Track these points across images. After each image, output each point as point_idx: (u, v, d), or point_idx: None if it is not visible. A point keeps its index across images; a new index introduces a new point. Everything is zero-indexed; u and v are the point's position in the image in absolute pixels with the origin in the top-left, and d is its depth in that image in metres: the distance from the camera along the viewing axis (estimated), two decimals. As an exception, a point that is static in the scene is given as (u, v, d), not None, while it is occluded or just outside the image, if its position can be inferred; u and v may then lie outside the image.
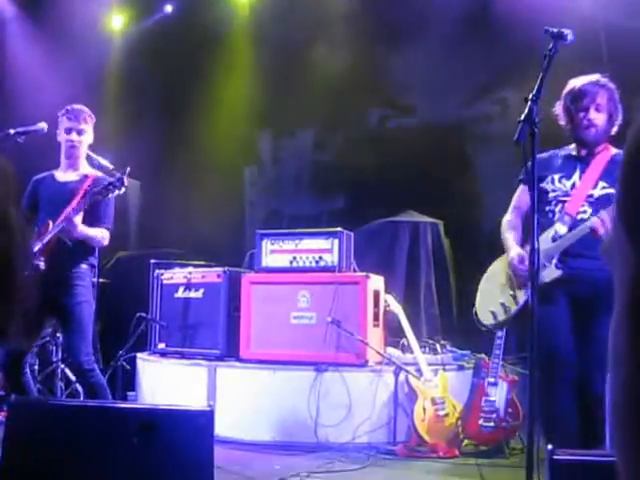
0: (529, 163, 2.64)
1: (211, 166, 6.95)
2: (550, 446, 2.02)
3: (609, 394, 0.61)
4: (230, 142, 7.02)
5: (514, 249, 3.10)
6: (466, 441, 4.16)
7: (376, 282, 4.60)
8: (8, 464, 2.23)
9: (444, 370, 4.41)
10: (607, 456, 2.07)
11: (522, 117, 2.42)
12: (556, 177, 3.10)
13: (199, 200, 6.82)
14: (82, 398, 4.57)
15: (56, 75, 6.23)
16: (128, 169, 3.52)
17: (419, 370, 4.27)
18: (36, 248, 3.40)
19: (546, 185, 3.10)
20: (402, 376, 4.25)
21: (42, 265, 3.37)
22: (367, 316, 4.42)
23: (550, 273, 2.99)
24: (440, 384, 4.26)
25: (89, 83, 6.40)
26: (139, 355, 5.03)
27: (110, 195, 3.48)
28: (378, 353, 4.41)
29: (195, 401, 4.35)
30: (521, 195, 3.24)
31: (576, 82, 3.05)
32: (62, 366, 4.72)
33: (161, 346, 5.01)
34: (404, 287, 5.29)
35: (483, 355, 4.29)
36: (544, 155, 3.10)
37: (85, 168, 3.79)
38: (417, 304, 5.26)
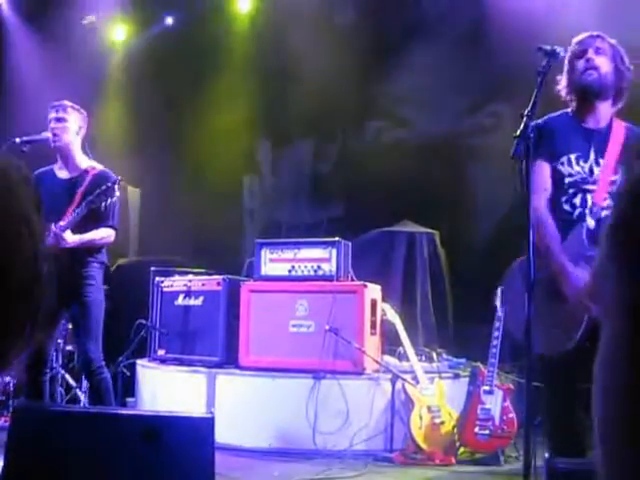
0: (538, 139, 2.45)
1: (211, 175, 7.02)
2: (547, 454, 2.07)
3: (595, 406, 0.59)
4: (230, 151, 7.09)
5: (574, 272, 2.48)
6: (462, 449, 4.20)
7: (373, 291, 4.65)
8: (10, 470, 2.28)
9: (440, 378, 4.46)
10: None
11: (518, 133, 2.44)
12: (572, 157, 2.63)
13: (199, 209, 6.88)
14: (82, 403, 4.62)
15: (58, 85, 6.30)
16: (119, 177, 3.57)
17: (416, 378, 4.32)
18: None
19: (562, 167, 2.64)
20: (399, 384, 4.29)
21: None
22: (364, 324, 4.47)
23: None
24: (436, 392, 4.31)
25: (91, 93, 6.47)
26: (139, 361, 5.06)
27: (103, 204, 3.47)
28: (375, 361, 4.45)
29: (194, 408, 4.39)
30: (544, 173, 2.66)
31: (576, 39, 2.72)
32: (62, 372, 4.76)
33: (161, 353, 5.05)
34: (401, 296, 5.34)
35: (479, 363, 4.33)
36: (548, 122, 2.64)
37: (83, 161, 3.75)
38: (414, 313, 5.32)
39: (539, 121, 2.61)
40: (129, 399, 5.00)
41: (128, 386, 4.91)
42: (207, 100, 7.18)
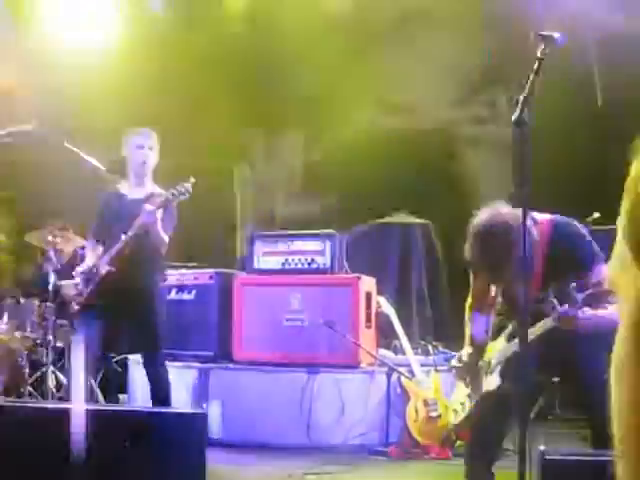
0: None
1: (203, 167, 6.94)
2: (542, 446, 2.05)
3: (614, 412, 0.64)
4: (221, 142, 7.03)
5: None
6: (458, 442, 4.18)
7: (368, 284, 4.62)
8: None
9: (436, 371, 4.43)
10: (596, 455, 2.11)
11: (513, 119, 2.41)
12: None
13: (190, 201, 6.81)
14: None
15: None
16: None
17: (411, 371, 4.30)
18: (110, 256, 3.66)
19: None
20: (394, 377, 4.27)
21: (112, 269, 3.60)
22: (359, 318, 4.44)
23: (489, 382, 2.76)
24: (432, 385, 4.28)
25: (80, 79, 6.37)
26: (131, 357, 5.02)
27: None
28: (370, 354, 4.43)
29: (187, 403, 4.35)
30: (475, 283, 3.03)
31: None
32: (52, 369, 4.70)
33: (153, 348, 4.99)
34: (396, 289, 5.32)
35: (475, 356, 4.31)
36: None
37: (150, 182, 4.06)
38: (409, 305, 5.29)
39: None
40: (121, 395, 4.95)
41: (121, 382, 4.86)
42: (198, 89, 7.10)
